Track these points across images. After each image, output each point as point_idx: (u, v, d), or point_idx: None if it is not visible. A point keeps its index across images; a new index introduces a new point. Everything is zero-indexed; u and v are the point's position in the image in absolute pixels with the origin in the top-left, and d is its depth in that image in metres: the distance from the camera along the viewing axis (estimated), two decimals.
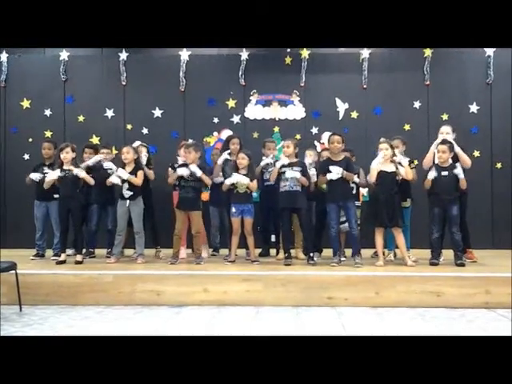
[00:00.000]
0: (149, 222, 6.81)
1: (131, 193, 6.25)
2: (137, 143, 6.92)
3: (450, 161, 6.10)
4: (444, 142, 6.10)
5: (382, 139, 6.26)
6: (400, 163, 6.10)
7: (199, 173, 6.15)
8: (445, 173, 6.03)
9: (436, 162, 6.17)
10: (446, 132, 6.28)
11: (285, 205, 6.12)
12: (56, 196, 6.44)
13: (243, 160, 6.24)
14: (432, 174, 6.02)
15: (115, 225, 6.47)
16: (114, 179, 6.28)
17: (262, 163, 6.57)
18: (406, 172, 6.09)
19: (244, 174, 6.21)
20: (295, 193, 6.09)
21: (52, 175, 6.23)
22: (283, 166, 6.09)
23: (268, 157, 6.61)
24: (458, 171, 5.99)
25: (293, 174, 6.03)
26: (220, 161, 6.57)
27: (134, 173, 6.29)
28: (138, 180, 6.29)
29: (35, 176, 6.65)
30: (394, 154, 6.10)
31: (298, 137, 7.83)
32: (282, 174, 6.12)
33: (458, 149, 6.16)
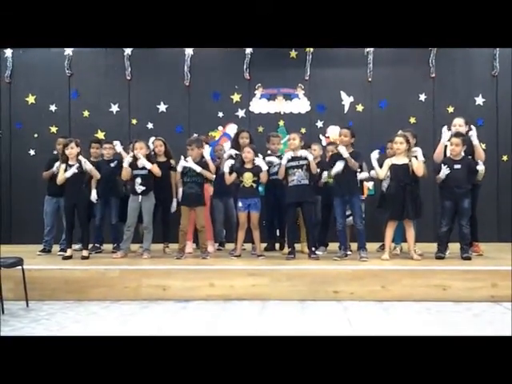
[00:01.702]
0: (163, 217, 6.80)
1: (144, 188, 6.27)
2: (152, 139, 6.89)
3: (463, 153, 6.02)
4: (458, 134, 6.02)
5: (399, 132, 6.20)
6: (416, 157, 5.96)
7: (198, 169, 6.19)
8: (457, 166, 5.94)
9: (448, 154, 6.08)
10: (459, 124, 6.20)
11: (291, 200, 6.10)
12: None
13: (249, 154, 6.27)
14: (443, 172, 5.92)
15: (119, 219, 6.47)
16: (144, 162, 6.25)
17: (266, 159, 6.53)
18: (418, 167, 5.94)
19: (250, 168, 6.23)
20: (302, 187, 6.06)
21: (69, 172, 6.16)
22: (289, 160, 6.08)
23: (273, 153, 6.64)
24: (481, 167, 5.91)
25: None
26: (226, 155, 6.59)
27: (145, 168, 6.28)
28: (158, 171, 6.31)
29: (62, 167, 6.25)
30: (409, 148, 6.02)
31: (303, 130, 7.81)
32: (289, 170, 6.10)
33: (476, 141, 6.07)
